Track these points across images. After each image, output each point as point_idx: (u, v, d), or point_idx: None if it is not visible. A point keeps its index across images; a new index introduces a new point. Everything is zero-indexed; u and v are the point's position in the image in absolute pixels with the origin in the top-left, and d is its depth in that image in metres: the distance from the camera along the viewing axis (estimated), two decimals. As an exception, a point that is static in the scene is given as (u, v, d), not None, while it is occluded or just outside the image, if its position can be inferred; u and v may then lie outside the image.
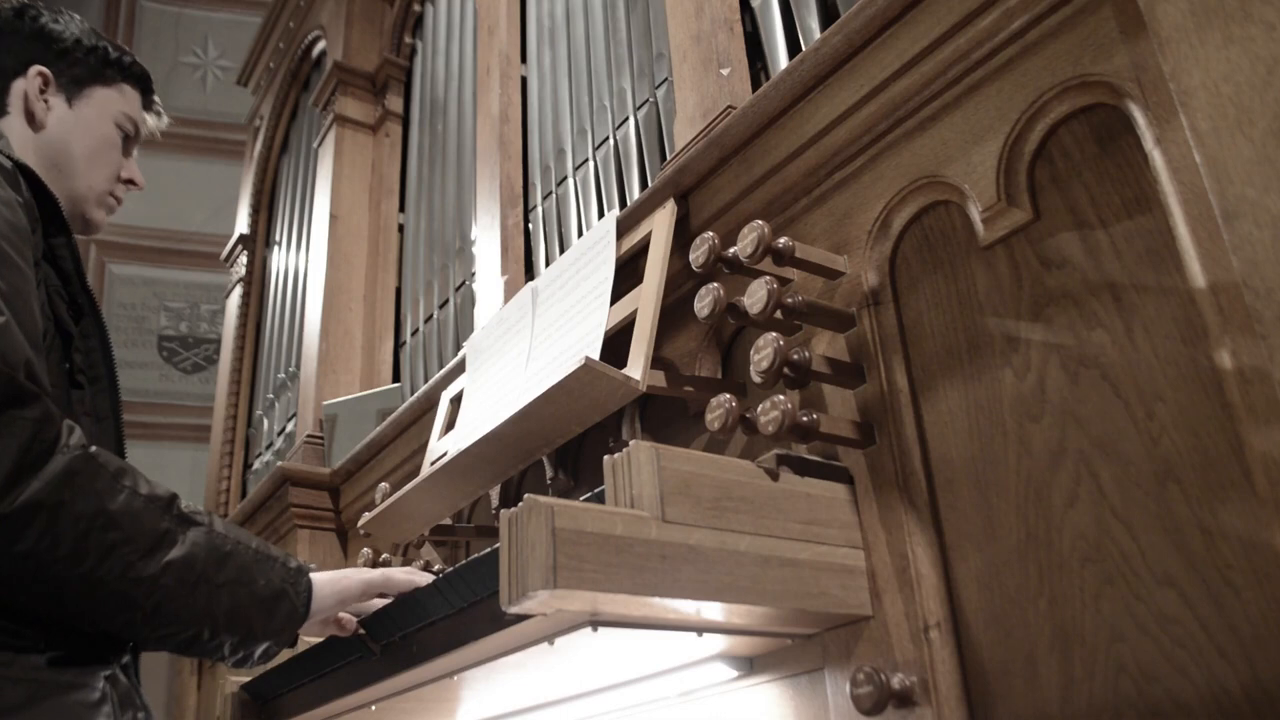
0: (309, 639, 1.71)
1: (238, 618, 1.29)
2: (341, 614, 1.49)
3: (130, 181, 1.62)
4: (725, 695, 1.48)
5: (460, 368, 2.35)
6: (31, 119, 1.50)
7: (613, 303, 1.74)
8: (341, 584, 1.46)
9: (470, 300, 2.92)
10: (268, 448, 4.22)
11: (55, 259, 1.36)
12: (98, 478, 1.17)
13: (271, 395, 4.30)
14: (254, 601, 1.31)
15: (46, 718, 1.16)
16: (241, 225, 5.22)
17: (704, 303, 1.39)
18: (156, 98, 1.69)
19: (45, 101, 1.51)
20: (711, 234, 1.44)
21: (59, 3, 1.62)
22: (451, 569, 1.36)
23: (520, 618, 1.12)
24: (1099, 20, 1.18)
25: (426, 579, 1.48)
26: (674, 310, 1.77)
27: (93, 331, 1.39)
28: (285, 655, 1.73)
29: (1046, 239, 1.23)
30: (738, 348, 1.69)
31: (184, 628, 1.25)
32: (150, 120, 1.67)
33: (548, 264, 2.52)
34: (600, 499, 1.15)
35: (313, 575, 1.43)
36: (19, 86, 1.50)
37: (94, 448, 1.19)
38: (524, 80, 2.96)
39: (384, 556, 2.44)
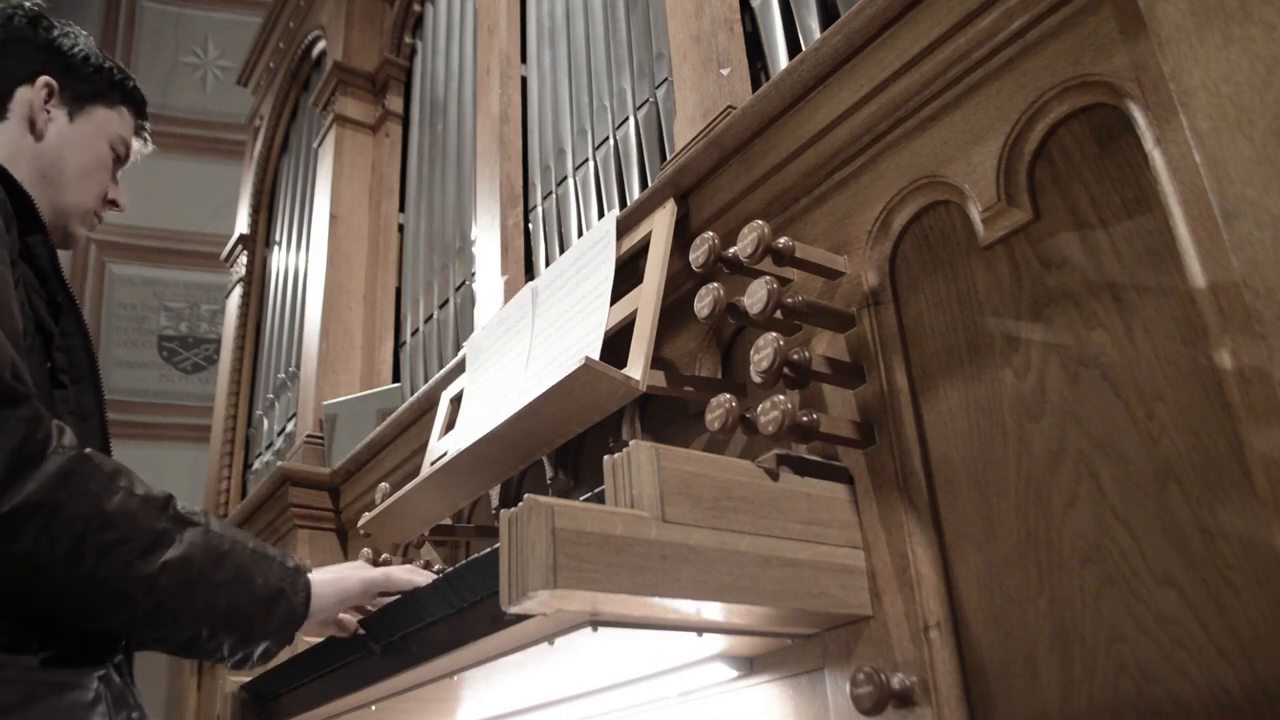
0: (309, 639, 1.71)
1: (236, 617, 1.29)
2: (341, 614, 1.49)
3: (113, 202, 1.63)
4: (725, 695, 1.48)
5: (460, 368, 2.35)
6: (33, 128, 1.51)
7: (613, 303, 1.74)
8: (343, 584, 1.46)
9: (470, 300, 2.92)
10: (268, 448, 4.22)
11: (32, 257, 1.35)
12: (93, 478, 1.17)
13: (271, 395, 4.30)
14: (252, 601, 1.31)
15: (41, 718, 1.16)
16: (241, 225, 5.22)
17: (704, 303, 1.39)
18: (149, 124, 1.71)
19: (48, 112, 1.52)
20: (711, 234, 1.44)
21: (60, 5, 1.63)
22: (451, 569, 1.36)
23: (520, 618, 1.12)
24: (1099, 20, 1.18)
25: (427, 578, 1.48)
26: (674, 310, 1.76)
27: (73, 329, 1.38)
28: (285, 655, 1.73)
29: (1046, 239, 1.23)
30: (738, 348, 1.69)
31: (183, 628, 1.25)
32: (137, 145, 1.69)
33: (548, 264, 2.52)
34: (600, 499, 1.15)
35: (313, 574, 1.43)
36: (24, 94, 1.51)
37: (88, 449, 1.19)
38: (524, 80, 2.96)
39: (384, 556, 2.43)
